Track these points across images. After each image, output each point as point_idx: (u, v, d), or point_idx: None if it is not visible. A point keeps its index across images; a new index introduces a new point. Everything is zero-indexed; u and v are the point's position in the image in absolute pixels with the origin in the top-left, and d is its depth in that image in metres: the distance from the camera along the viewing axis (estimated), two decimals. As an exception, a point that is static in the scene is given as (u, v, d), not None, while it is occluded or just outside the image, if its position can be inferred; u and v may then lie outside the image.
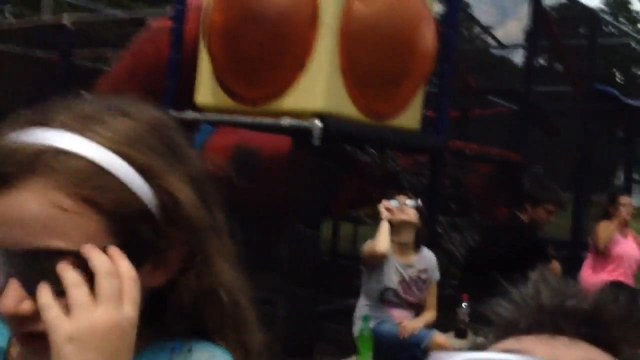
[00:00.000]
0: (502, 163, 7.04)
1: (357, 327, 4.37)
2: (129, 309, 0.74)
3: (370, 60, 4.75)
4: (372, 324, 4.29)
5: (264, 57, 4.73)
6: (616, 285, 5.53)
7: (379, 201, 4.55)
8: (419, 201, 4.57)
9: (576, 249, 7.31)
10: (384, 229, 4.34)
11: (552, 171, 8.67)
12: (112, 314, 0.72)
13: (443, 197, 6.14)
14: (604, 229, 5.93)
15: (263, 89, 4.82)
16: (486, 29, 12.86)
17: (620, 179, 11.33)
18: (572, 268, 6.13)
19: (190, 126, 5.26)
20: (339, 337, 4.98)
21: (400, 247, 4.47)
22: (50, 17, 10.19)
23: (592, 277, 5.95)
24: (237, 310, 0.87)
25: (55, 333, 0.71)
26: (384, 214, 4.41)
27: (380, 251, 4.29)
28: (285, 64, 4.69)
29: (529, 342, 0.59)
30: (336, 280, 7.11)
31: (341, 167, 6.04)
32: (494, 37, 12.31)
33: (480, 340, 0.65)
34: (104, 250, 0.75)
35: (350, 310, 4.62)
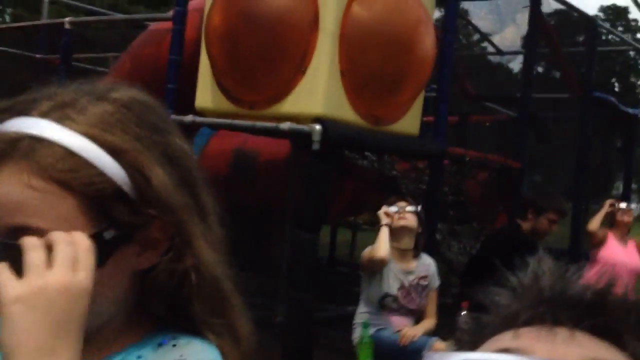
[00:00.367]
0: (501, 170, 7.03)
1: (357, 333, 4.34)
2: (83, 276, 0.74)
3: (370, 65, 4.74)
4: (371, 330, 4.26)
5: (263, 61, 4.72)
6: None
7: (378, 207, 4.53)
8: (419, 207, 4.55)
9: (574, 257, 7.30)
10: (384, 234, 4.31)
11: (550, 179, 8.68)
12: (65, 278, 0.73)
13: (442, 204, 6.11)
14: (599, 226, 5.94)
15: (263, 93, 4.81)
16: (485, 36, 12.90)
17: (619, 188, 11.34)
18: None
19: (190, 129, 5.24)
20: (338, 344, 4.96)
21: (400, 253, 4.44)
22: (50, 19, 10.19)
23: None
24: (221, 294, 0.86)
25: (3, 294, 0.71)
26: (384, 219, 4.39)
27: (379, 257, 4.26)
28: (285, 68, 4.68)
29: (528, 338, 0.56)
30: (334, 287, 7.09)
31: (339, 172, 6.02)
32: (492, 44, 12.34)
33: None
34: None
35: (349, 317, 4.59)
